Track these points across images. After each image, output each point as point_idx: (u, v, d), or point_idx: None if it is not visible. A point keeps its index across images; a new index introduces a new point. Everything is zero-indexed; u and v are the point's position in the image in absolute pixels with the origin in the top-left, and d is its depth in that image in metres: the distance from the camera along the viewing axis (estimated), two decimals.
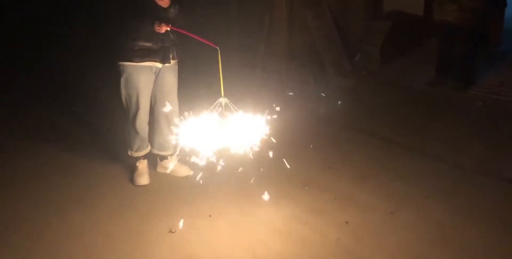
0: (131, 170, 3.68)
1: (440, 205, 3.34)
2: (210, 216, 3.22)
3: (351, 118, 4.80)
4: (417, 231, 3.07)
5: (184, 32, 3.08)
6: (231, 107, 2.66)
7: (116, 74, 3.42)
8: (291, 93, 5.02)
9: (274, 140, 2.82)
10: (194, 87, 4.42)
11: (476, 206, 3.33)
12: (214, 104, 2.64)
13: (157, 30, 3.14)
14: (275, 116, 2.80)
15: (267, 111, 2.76)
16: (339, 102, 4.83)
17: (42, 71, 5.95)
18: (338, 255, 2.87)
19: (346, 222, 3.16)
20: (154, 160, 3.77)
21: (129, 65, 3.33)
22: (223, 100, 2.63)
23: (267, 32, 5.61)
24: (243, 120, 2.67)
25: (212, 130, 2.64)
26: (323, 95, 4.54)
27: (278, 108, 2.79)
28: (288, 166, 3.23)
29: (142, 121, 3.48)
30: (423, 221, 3.18)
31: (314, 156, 4.04)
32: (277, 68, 5.56)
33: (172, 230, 3.07)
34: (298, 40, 5.68)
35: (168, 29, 3.14)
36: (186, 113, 2.71)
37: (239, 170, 2.83)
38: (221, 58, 2.79)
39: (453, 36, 5.31)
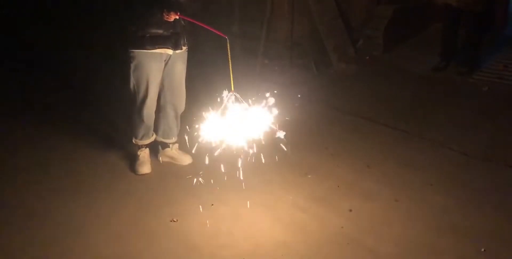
0: (133, 158, 3.65)
1: (445, 192, 3.30)
2: (212, 205, 3.19)
3: (353, 105, 4.74)
4: (422, 219, 3.04)
5: (193, 21, 3.04)
6: (239, 99, 2.61)
7: (125, 62, 3.36)
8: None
9: (277, 128, 2.77)
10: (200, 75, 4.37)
11: (481, 192, 3.30)
12: (224, 97, 2.58)
13: (165, 19, 3.10)
14: (275, 108, 2.72)
15: (268, 100, 2.70)
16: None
17: (51, 61, 5.90)
18: (341, 243, 2.84)
19: (350, 210, 3.13)
20: (155, 148, 3.74)
21: (140, 52, 3.28)
22: (232, 94, 2.58)
23: (268, 18, 5.53)
24: (247, 111, 2.63)
25: (215, 120, 2.61)
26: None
27: (275, 91, 2.71)
28: (290, 154, 3.19)
29: (149, 108, 3.45)
30: (428, 208, 3.15)
31: (316, 143, 3.99)
32: (278, 54, 5.50)
33: (174, 219, 3.05)
34: (300, 26, 5.60)
35: (177, 17, 3.10)
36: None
37: (241, 158, 2.80)
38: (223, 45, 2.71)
39: (457, 20, 5.23)
